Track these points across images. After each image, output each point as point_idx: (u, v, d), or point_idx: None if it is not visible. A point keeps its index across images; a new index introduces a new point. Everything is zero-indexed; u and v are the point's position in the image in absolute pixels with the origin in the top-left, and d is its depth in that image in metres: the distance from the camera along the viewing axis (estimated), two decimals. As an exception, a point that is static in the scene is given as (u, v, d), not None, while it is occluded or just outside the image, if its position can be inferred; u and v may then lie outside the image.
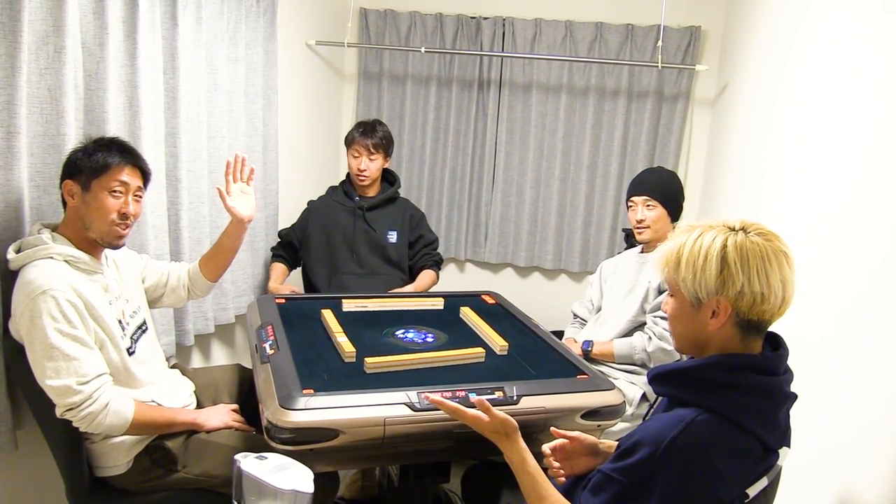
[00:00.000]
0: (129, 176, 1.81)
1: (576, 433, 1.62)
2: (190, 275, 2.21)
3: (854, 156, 1.81)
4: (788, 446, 1.32)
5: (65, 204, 1.81)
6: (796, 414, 1.35)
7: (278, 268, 3.09)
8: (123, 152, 1.82)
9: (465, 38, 3.81)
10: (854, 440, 1.64)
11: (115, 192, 1.79)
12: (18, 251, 1.73)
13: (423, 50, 3.64)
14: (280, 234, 3.18)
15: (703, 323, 1.27)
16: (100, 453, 1.83)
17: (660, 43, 3.45)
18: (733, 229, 1.26)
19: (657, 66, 3.44)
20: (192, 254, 2.59)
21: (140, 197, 1.88)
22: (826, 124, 2.02)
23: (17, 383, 1.81)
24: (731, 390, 1.24)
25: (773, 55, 2.65)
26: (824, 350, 1.84)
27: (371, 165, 3.02)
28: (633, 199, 2.54)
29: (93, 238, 1.81)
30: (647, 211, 2.51)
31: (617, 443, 1.39)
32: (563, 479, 1.55)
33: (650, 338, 2.42)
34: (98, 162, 1.77)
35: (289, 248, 3.16)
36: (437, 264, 3.23)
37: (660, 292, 2.45)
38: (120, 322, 1.85)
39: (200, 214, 2.62)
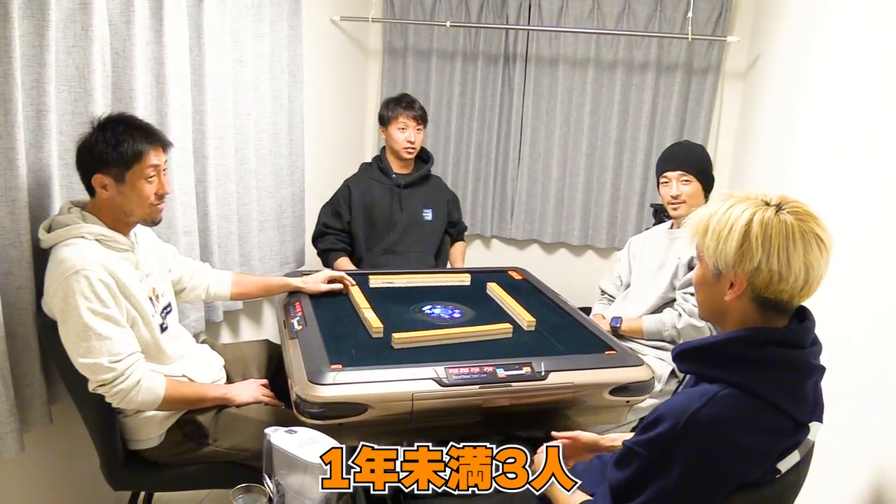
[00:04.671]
0: (157, 157, 1.81)
1: (575, 433, 1.65)
2: (216, 281, 2.23)
3: (890, 131, 1.76)
4: (820, 421, 1.30)
5: (90, 191, 1.80)
6: (830, 390, 1.33)
7: (344, 261, 3.03)
8: (147, 135, 1.79)
9: (490, 12, 3.77)
10: (892, 417, 1.61)
11: (149, 178, 1.80)
12: (49, 230, 1.74)
13: (448, 24, 3.60)
14: (325, 223, 3.08)
15: (721, 293, 1.26)
16: (133, 427, 1.86)
17: (690, 14, 3.38)
18: (767, 204, 1.23)
19: (687, 38, 3.37)
20: (220, 230, 2.61)
21: (166, 170, 1.88)
22: (862, 98, 1.97)
23: (52, 358, 1.84)
24: (754, 365, 1.22)
25: (806, 25, 2.58)
26: (858, 326, 1.81)
27: (418, 137, 3.03)
28: (667, 174, 2.49)
29: (133, 221, 1.83)
30: (682, 186, 2.46)
31: (621, 443, 1.39)
32: None
33: (680, 314, 2.40)
34: (128, 153, 1.74)
35: (342, 233, 3.07)
36: (460, 233, 3.35)
37: (689, 268, 2.42)
38: (151, 299, 1.87)
39: (227, 191, 2.64)
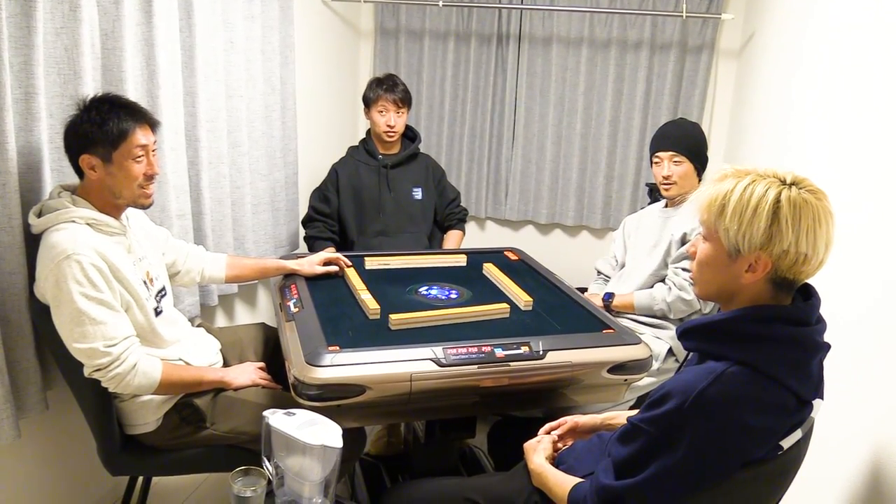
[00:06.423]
0: (144, 136, 1.77)
1: (573, 420, 1.65)
2: (210, 263, 2.21)
3: (887, 108, 1.75)
4: (822, 398, 1.30)
5: (79, 173, 1.78)
6: (830, 366, 1.33)
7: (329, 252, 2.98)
8: (133, 113, 1.76)
9: (483, -9, 3.74)
10: (891, 394, 1.61)
11: (137, 157, 1.76)
12: (40, 215, 1.72)
13: (440, 4, 3.57)
14: (315, 208, 3.06)
15: (737, 275, 1.23)
16: (129, 412, 1.85)
17: (684, -9, 3.36)
18: (784, 182, 1.19)
19: (681, 16, 3.35)
20: (213, 214, 2.60)
21: (155, 150, 1.85)
22: (857, 75, 1.96)
23: (46, 344, 1.82)
24: (761, 342, 1.21)
25: (801, 3, 2.56)
26: (857, 303, 1.81)
27: (399, 121, 2.99)
28: (659, 154, 2.47)
29: (122, 203, 1.80)
30: (673, 166, 2.44)
31: (623, 420, 1.39)
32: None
33: (670, 288, 2.39)
34: (113, 132, 1.71)
35: (330, 220, 3.05)
36: (461, 221, 3.24)
37: (682, 244, 2.41)
38: (145, 282, 1.86)
39: (220, 174, 2.61)
